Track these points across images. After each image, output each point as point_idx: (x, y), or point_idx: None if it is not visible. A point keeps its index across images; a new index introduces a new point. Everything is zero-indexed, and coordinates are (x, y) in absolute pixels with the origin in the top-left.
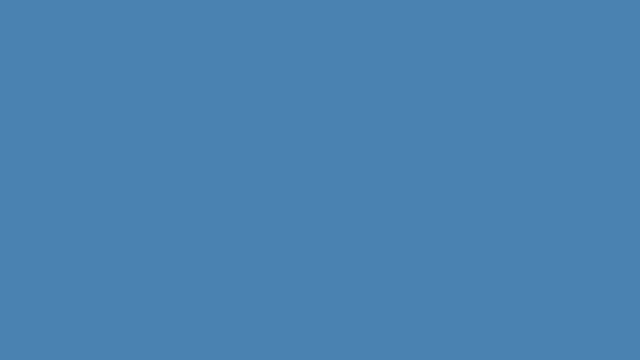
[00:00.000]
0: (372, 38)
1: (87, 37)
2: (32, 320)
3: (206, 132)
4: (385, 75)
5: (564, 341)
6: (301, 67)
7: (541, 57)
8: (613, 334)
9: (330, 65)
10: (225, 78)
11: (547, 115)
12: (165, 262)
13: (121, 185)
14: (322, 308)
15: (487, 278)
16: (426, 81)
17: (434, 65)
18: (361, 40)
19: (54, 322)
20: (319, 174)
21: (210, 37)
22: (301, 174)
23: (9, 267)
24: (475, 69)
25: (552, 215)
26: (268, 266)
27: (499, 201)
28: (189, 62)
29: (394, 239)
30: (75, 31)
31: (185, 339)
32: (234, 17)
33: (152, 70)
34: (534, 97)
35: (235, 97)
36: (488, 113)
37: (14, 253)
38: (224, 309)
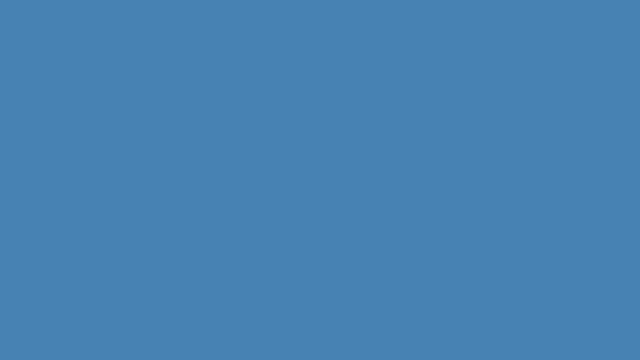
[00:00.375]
0: (372, 38)
1: (87, 37)
2: (32, 320)
3: (206, 132)
4: (385, 75)
5: (564, 341)
6: (301, 67)
7: (541, 57)
8: (613, 334)
9: (330, 65)
10: (225, 78)
11: (547, 116)
12: (165, 262)
13: (121, 185)
14: (322, 308)
15: (488, 278)
16: (426, 81)
17: (433, 65)
18: (361, 41)
19: (54, 322)
20: (319, 174)
21: (210, 37)
22: (301, 174)
23: (9, 267)
24: (475, 69)
25: (552, 215)
26: (268, 266)
27: (499, 201)
28: (189, 62)
29: (394, 238)
30: (76, 31)
31: (185, 339)
32: (234, 17)
33: (152, 70)
34: (534, 97)
35: (236, 97)
36: (488, 113)
37: (14, 253)
38: (224, 308)
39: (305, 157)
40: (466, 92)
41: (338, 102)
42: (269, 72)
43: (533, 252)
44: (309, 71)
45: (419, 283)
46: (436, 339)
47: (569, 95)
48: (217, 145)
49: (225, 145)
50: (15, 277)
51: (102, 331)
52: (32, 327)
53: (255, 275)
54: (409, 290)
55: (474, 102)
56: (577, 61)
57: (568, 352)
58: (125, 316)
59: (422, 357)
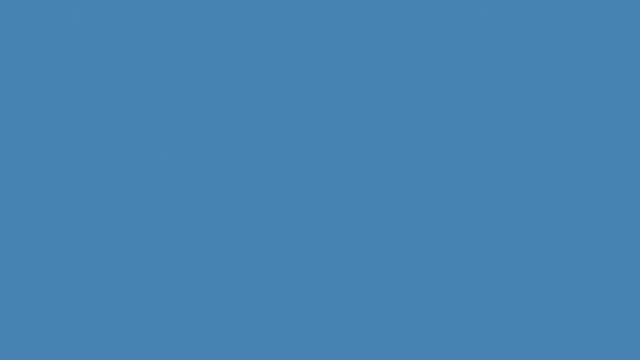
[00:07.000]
0: (372, 38)
1: (87, 37)
2: (32, 320)
3: (206, 132)
4: (385, 76)
5: (564, 341)
6: (301, 67)
7: (542, 57)
8: (613, 334)
9: (330, 65)
10: (225, 78)
11: (547, 116)
12: (165, 262)
13: (121, 185)
14: (323, 308)
15: (487, 278)
16: (426, 82)
17: (434, 65)
18: (361, 41)
19: (54, 322)
20: (318, 175)
21: (210, 37)
22: (301, 174)
23: (9, 267)
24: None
25: (552, 215)
26: (268, 266)
27: (499, 201)
28: (189, 62)
29: (394, 239)
30: (76, 31)
31: (185, 339)
32: (233, 17)
33: (152, 70)
34: (533, 98)
35: (235, 97)
36: (489, 114)
37: (14, 253)
38: (224, 309)
39: (305, 157)
40: (466, 92)
41: (338, 103)
42: (269, 72)
43: (533, 252)
44: (308, 71)
45: (419, 283)
46: (436, 339)
47: (570, 95)
48: (217, 145)
49: (225, 145)
50: (15, 277)
51: (102, 331)
52: (32, 327)
53: (255, 275)
54: (409, 291)
55: (474, 103)
56: (577, 61)
57: (568, 352)
58: (126, 316)
59: (421, 357)
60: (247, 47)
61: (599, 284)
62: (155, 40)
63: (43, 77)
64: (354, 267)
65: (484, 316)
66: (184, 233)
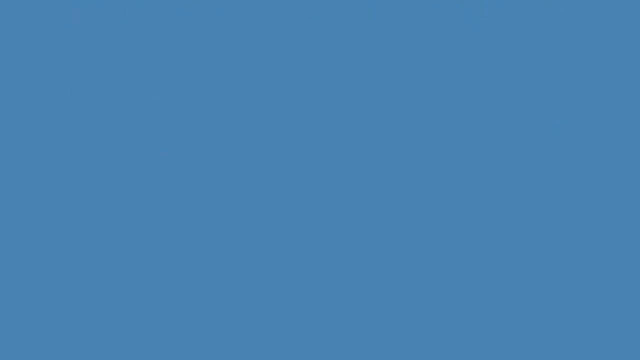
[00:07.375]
0: (372, 38)
1: (87, 37)
2: (32, 320)
3: (206, 131)
4: (385, 75)
5: (564, 341)
6: (301, 66)
7: (541, 57)
8: (613, 334)
9: (330, 65)
10: (225, 78)
11: (547, 115)
12: (165, 262)
13: (121, 185)
14: (322, 308)
15: (487, 278)
16: (426, 81)
17: (434, 65)
18: (361, 40)
19: (54, 322)
20: (319, 174)
21: (210, 37)
22: (301, 174)
23: (9, 267)
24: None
25: (552, 215)
26: (268, 266)
27: (499, 201)
28: (189, 62)
29: (394, 240)
30: (75, 31)
31: (185, 339)
32: (234, 17)
33: (152, 70)
34: (534, 97)
35: (236, 97)
36: (487, 113)
37: (14, 253)
38: (224, 309)
39: (305, 157)
40: (466, 92)
41: (338, 102)
42: (269, 72)
43: (533, 252)
44: (309, 71)
45: (420, 283)
46: (436, 339)
47: (569, 95)
48: (217, 145)
49: (225, 145)
50: (16, 277)
51: (102, 331)
52: (32, 327)
53: (255, 275)
54: (409, 291)
55: (474, 102)
56: (577, 61)
57: (568, 352)
58: (126, 316)
59: (421, 357)
60: (247, 47)
61: (599, 284)
62: (156, 40)
63: (43, 77)
64: (354, 267)
65: (484, 316)
66: (183, 233)
